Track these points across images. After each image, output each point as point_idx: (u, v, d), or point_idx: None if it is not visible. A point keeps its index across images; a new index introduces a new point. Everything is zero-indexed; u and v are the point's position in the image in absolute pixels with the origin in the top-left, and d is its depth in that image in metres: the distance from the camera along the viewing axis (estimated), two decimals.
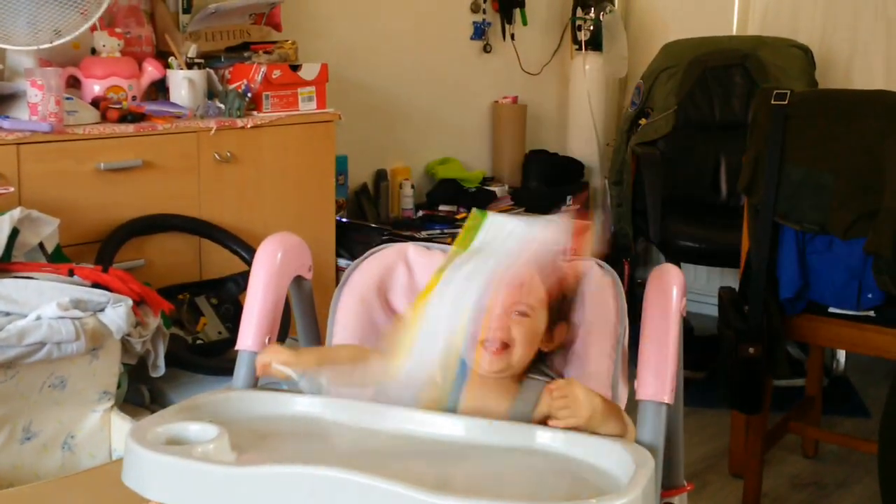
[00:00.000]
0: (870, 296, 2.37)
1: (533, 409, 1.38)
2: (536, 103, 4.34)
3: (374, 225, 3.46)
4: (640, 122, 3.81)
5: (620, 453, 1.22)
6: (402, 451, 1.27)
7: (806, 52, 3.72)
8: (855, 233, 2.33)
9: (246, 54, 2.94)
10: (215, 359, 2.44)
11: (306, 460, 1.13)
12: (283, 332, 2.34)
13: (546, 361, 1.46)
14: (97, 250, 2.38)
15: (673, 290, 1.37)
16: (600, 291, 1.48)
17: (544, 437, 1.29)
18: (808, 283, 2.45)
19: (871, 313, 2.42)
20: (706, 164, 3.74)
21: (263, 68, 2.81)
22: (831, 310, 2.47)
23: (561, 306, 1.41)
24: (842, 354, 3.45)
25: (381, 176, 3.74)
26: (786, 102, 2.41)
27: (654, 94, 3.78)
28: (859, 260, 2.35)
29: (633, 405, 1.36)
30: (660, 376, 1.32)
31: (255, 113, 2.81)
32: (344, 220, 3.38)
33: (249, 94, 2.78)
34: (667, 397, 1.32)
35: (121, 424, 1.98)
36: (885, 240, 2.24)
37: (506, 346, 1.35)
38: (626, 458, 1.20)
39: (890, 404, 2.20)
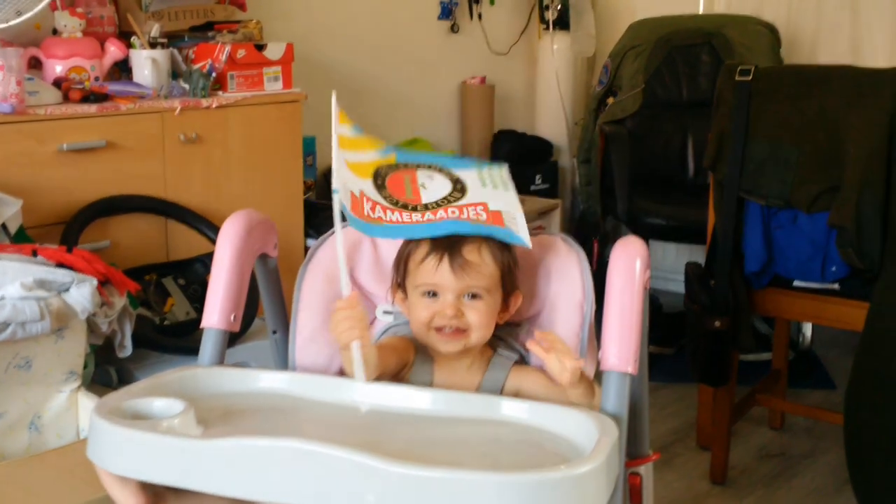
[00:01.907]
0: (834, 269, 2.40)
1: (501, 387, 1.39)
2: (504, 83, 4.34)
3: None
4: (608, 100, 3.82)
5: (584, 422, 1.23)
6: (367, 424, 1.27)
7: (772, 30, 3.74)
8: (819, 206, 2.35)
9: (210, 34, 2.92)
10: (183, 339, 2.43)
11: (272, 434, 1.13)
12: (250, 311, 2.33)
13: (512, 335, 1.47)
14: (61, 232, 2.36)
15: (636, 261, 1.37)
16: (565, 267, 1.48)
17: (509, 408, 1.30)
18: (774, 257, 2.47)
19: (836, 286, 2.45)
20: (673, 143, 3.76)
21: (228, 48, 2.79)
22: (796, 283, 2.49)
23: (512, 276, 1.42)
24: (808, 328, 3.49)
25: None
26: (750, 78, 2.42)
27: (621, 73, 3.79)
28: (823, 233, 2.37)
29: (599, 381, 1.37)
30: (623, 346, 1.32)
31: (220, 93, 2.80)
32: (313, 200, 3.37)
33: (214, 74, 2.77)
34: (630, 367, 1.32)
35: (88, 405, 1.97)
36: (848, 213, 2.27)
37: (462, 330, 1.36)
38: (590, 426, 1.21)
39: (855, 375, 2.24)
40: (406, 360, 1.41)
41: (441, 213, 1.37)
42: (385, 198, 1.38)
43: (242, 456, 1.11)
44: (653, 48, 3.74)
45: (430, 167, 1.44)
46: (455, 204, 1.39)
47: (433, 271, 1.36)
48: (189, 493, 1.20)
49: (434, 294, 1.37)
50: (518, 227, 1.37)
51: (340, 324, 1.28)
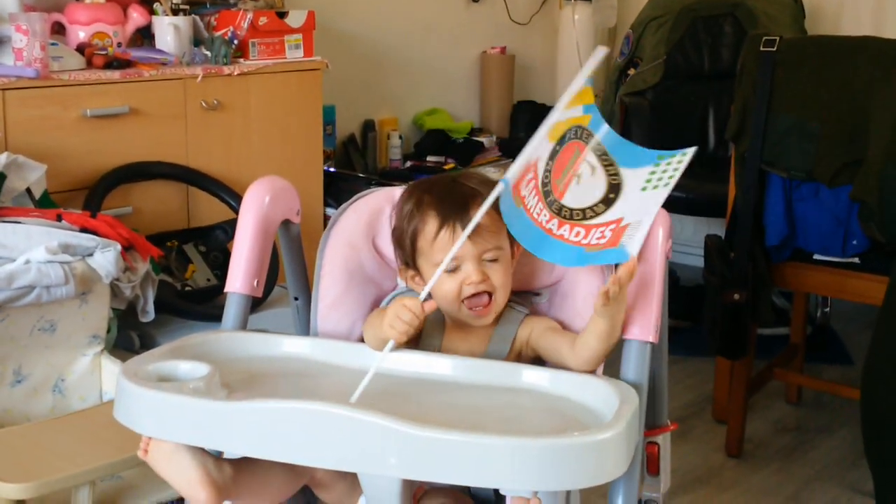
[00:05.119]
0: (855, 242, 2.39)
1: (513, 337, 1.40)
2: (525, 53, 4.31)
3: (361, 175, 3.46)
4: (629, 72, 3.79)
5: (605, 390, 1.24)
6: (388, 389, 1.28)
7: (795, 0, 3.70)
8: (841, 180, 2.34)
9: (232, 1, 2.92)
10: (204, 305, 2.45)
11: (295, 397, 1.15)
12: (272, 277, 2.35)
13: (529, 302, 1.47)
14: (84, 197, 2.38)
15: (658, 231, 1.38)
16: None
17: (530, 376, 1.31)
18: (794, 230, 2.46)
19: (856, 260, 2.44)
20: (694, 115, 3.74)
21: (249, 15, 2.79)
22: (816, 257, 2.49)
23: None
24: (826, 302, 3.48)
25: (368, 126, 3.73)
26: (774, 49, 2.40)
27: (642, 44, 3.77)
28: (845, 207, 2.36)
29: (617, 346, 1.37)
30: (644, 316, 1.33)
31: (241, 60, 2.80)
32: (332, 170, 3.37)
33: (236, 42, 2.77)
34: (651, 336, 1.33)
35: (111, 368, 1.99)
36: (870, 187, 2.26)
37: (489, 296, 1.36)
38: (611, 394, 1.22)
39: (873, 351, 2.23)
40: (420, 325, 1.41)
41: (565, 229, 1.32)
42: (547, 170, 1.33)
43: (267, 418, 1.13)
44: (675, 19, 3.71)
45: (603, 154, 1.36)
46: (585, 222, 1.33)
47: (450, 244, 1.33)
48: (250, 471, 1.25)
49: (456, 267, 1.35)
50: (634, 237, 1.31)
51: (397, 322, 1.29)
